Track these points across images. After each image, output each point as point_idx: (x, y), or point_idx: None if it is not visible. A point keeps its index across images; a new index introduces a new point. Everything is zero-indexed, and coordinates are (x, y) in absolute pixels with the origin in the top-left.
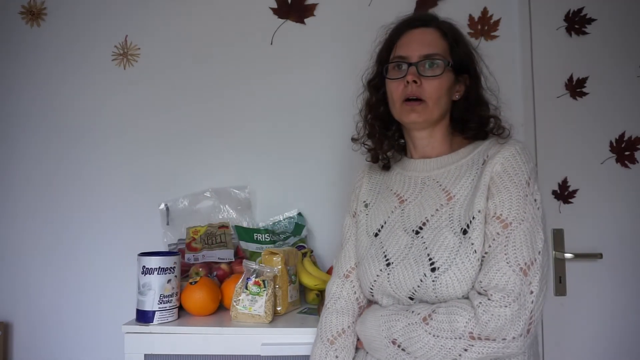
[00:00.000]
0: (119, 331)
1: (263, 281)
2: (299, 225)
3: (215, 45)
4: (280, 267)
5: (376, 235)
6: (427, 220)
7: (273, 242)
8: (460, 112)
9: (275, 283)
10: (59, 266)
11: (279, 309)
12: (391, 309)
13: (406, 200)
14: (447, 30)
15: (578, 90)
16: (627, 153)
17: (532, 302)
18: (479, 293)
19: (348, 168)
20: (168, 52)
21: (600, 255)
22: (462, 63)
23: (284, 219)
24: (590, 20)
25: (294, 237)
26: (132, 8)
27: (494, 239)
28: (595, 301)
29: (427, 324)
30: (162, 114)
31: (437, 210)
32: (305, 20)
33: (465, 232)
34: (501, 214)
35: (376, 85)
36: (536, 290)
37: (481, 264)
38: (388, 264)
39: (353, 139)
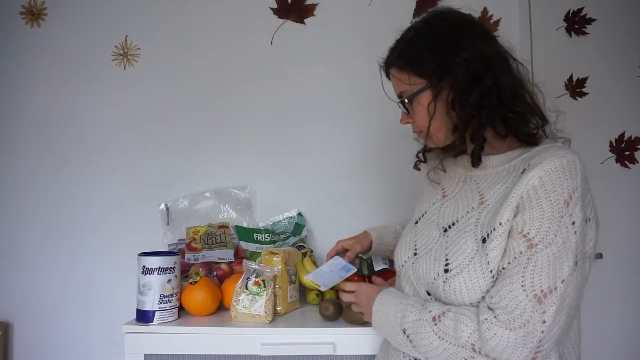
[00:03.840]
0: (119, 331)
1: (263, 281)
2: (299, 225)
3: (215, 45)
4: (280, 267)
5: (416, 223)
6: (457, 221)
7: (273, 242)
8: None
9: (275, 283)
10: (59, 266)
11: (279, 309)
12: (411, 299)
13: (447, 196)
14: (403, 61)
15: (578, 90)
16: (627, 153)
17: (542, 331)
18: (489, 308)
19: (348, 167)
20: (168, 52)
21: (600, 255)
22: (436, 73)
23: (284, 219)
24: (590, 20)
25: (294, 237)
26: (132, 8)
27: (514, 257)
28: (595, 301)
29: (435, 324)
30: (162, 114)
31: (467, 212)
32: (305, 20)
33: (484, 240)
34: (528, 232)
35: None
36: (549, 321)
37: (494, 278)
38: (415, 254)
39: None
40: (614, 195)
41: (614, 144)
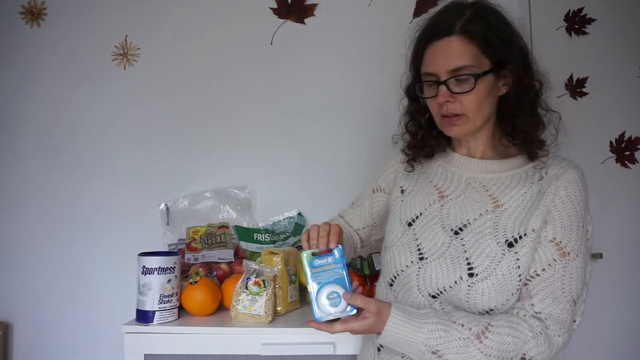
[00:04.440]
0: (119, 331)
1: (263, 281)
2: (299, 225)
3: (215, 45)
4: (280, 267)
5: (410, 225)
6: (469, 223)
7: (273, 242)
8: (508, 107)
9: (275, 283)
10: (59, 266)
11: (279, 309)
12: (432, 315)
13: (447, 196)
14: (476, 30)
15: (578, 90)
16: (627, 153)
17: (573, 329)
18: (536, 317)
19: (348, 167)
20: (168, 52)
21: (600, 255)
22: (501, 58)
23: (284, 219)
24: (590, 20)
25: (294, 237)
26: (132, 8)
27: (549, 264)
28: (595, 301)
29: (481, 342)
30: (162, 114)
31: (481, 215)
32: (305, 20)
33: (511, 245)
34: (560, 241)
35: (414, 95)
36: (578, 320)
37: (520, 281)
38: (421, 258)
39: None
40: (614, 195)
41: (614, 144)
